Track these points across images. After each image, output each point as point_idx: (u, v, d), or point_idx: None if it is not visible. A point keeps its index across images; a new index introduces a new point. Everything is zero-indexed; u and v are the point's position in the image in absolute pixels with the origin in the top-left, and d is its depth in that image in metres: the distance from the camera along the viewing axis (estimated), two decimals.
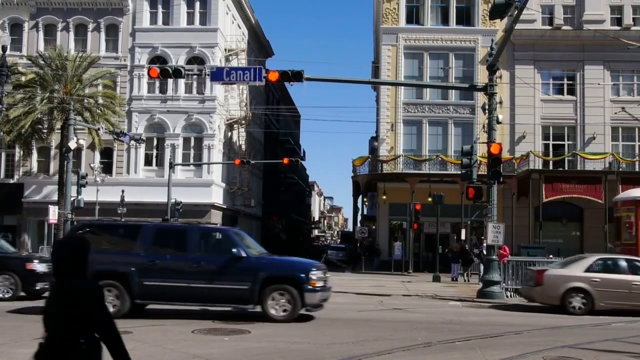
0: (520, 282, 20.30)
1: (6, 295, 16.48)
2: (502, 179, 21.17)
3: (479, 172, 24.84)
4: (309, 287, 12.68)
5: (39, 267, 16.92)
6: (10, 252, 19.04)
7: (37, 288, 16.77)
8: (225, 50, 41.69)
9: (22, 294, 16.63)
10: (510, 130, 38.14)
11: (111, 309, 12.83)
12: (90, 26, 40.49)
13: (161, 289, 12.93)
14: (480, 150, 28.58)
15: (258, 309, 13.00)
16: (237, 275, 12.82)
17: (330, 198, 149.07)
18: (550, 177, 34.29)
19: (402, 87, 38.96)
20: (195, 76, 38.72)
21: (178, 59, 38.82)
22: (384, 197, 38.71)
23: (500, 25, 37.25)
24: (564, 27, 38.37)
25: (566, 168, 36.59)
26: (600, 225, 33.43)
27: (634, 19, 38.66)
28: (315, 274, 12.91)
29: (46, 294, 16.94)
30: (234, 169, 43.99)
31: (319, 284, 12.89)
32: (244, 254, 13.07)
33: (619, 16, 38.69)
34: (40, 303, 15.50)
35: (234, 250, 13.06)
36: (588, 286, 15.92)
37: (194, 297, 12.98)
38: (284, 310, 12.69)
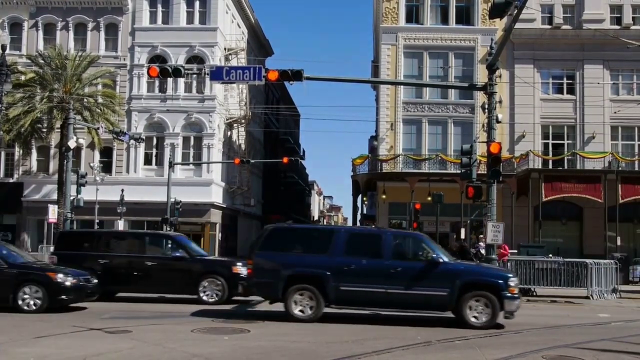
0: (519, 281, 20.30)
1: (214, 299, 16.19)
2: (501, 178, 21.11)
3: (479, 172, 24.78)
4: (508, 294, 12.57)
5: (244, 270, 16.16)
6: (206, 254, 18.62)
7: (239, 292, 16.49)
8: (225, 49, 41.69)
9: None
10: (509, 129, 38.13)
11: (306, 314, 12.78)
12: (90, 25, 40.49)
13: (357, 294, 12.83)
14: (480, 149, 28.52)
15: (449, 314, 12.95)
16: (435, 281, 12.68)
17: (330, 197, 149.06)
18: (549, 177, 34.27)
19: (402, 87, 38.93)
20: (194, 75, 38.73)
21: (178, 58, 38.83)
22: (384, 196, 38.71)
23: (499, 24, 37.22)
24: (564, 27, 38.36)
25: (566, 167, 36.55)
26: (600, 224, 33.43)
27: (633, 18, 38.64)
28: (513, 281, 12.85)
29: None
30: (233, 168, 43.99)
31: (516, 291, 12.84)
32: (442, 259, 13.00)
33: (619, 15, 38.67)
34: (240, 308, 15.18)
35: (434, 255, 13.02)
36: None
37: (391, 302, 12.89)
38: (483, 317, 12.55)
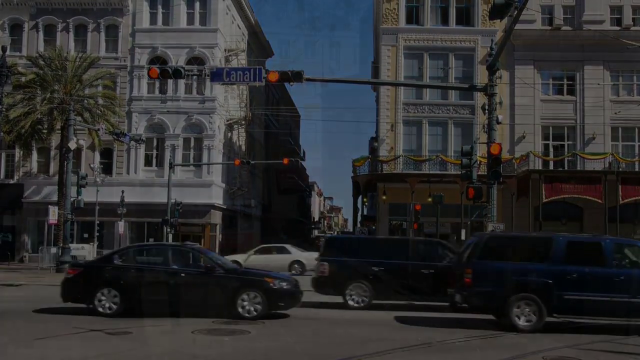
0: None
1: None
2: (502, 179, 21.14)
3: (479, 172, 24.83)
4: None
5: None
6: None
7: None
8: (225, 50, 41.69)
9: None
10: (510, 130, 38.13)
11: (529, 323, 12.27)
12: (90, 26, 40.47)
13: (582, 303, 12.51)
14: (480, 150, 28.56)
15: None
16: None
17: (330, 198, 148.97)
18: (550, 177, 34.26)
19: (402, 88, 38.92)
20: (195, 76, 38.28)
21: (178, 60, 38.82)
22: (384, 197, 38.69)
23: (500, 25, 37.23)
24: (564, 28, 38.36)
25: (566, 168, 36.55)
26: (600, 225, 33.41)
27: (633, 19, 38.64)
28: None
29: None
30: (233, 169, 43.97)
31: None
32: None
33: (619, 16, 38.67)
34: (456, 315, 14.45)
35: None
36: None
37: (615, 311, 12.54)
38: None
